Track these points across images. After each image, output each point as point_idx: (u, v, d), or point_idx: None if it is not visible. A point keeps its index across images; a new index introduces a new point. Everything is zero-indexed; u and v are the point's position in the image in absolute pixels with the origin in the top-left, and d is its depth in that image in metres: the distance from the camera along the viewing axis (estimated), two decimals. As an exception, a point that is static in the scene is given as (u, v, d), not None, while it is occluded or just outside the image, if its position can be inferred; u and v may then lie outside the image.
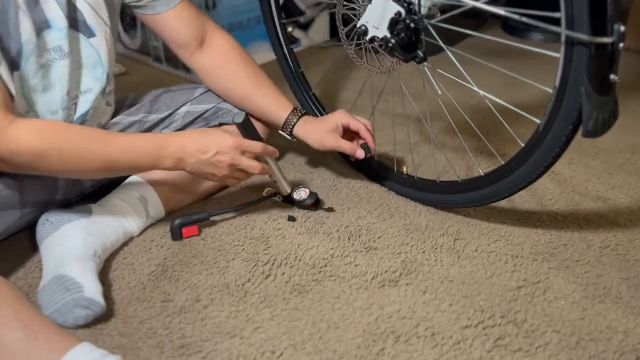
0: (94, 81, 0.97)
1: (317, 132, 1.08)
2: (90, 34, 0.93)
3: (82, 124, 0.98)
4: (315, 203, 1.09)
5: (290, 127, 1.10)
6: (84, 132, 0.85)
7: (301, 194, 1.09)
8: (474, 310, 0.86)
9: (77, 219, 0.93)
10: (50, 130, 0.81)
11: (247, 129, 0.97)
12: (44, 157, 0.79)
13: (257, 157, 0.97)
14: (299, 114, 1.10)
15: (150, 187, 1.03)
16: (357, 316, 0.85)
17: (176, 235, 1.00)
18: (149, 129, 1.09)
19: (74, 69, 0.92)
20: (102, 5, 0.95)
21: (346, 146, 1.06)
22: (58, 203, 0.99)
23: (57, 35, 0.88)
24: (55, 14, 0.87)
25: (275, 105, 1.10)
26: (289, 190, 1.09)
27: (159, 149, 0.87)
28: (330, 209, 1.09)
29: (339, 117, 1.07)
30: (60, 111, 0.93)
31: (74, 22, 0.91)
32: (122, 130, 1.06)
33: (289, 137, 1.11)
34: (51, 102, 0.91)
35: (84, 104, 0.97)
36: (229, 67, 1.09)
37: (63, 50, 0.90)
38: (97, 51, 0.95)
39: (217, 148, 0.90)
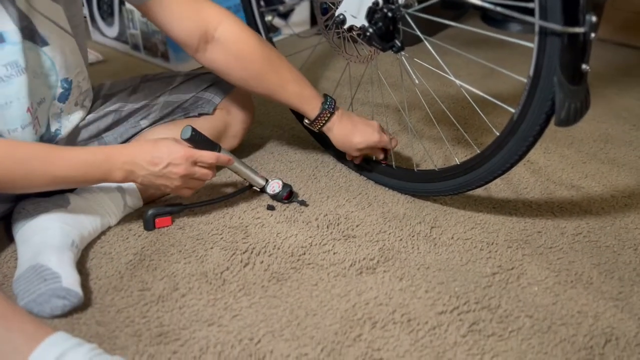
0: (47, 89, 0.92)
1: (359, 129, 1.06)
2: (43, 42, 0.87)
3: (56, 136, 0.96)
4: (289, 195, 1.09)
5: (319, 126, 1.06)
6: (29, 150, 0.82)
7: (274, 187, 1.09)
8: (450, 296, 0.87)
9: (55, 208, 0.92)
10: (13, 157, 0.79)
11: (197, 142, 0.96)
12: (12, 183, 0.79)
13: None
14: (329, 112, 1.04)
15: (128, 176, 1.02)
16: (335, 303, 0.86)
17: (149, 225, 1.00)
18: (125, 118, 1.08)
19: (32, 82, 0.88)
20: (59, 9, 0.89)
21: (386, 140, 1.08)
22: (34, 193, 0.98)
23: (12, 49, 0.83)
24: (8, 27, 0.82)
25: (298, 99, 1.04)
26: (262, 183, 1.09)
27: (108, 162, 0.86)
28: (303, 203, 1.09)
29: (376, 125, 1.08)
30: (20, 129, 0.89)
31: (28, 32, 0.85)
32: (99, 119, 1.05)
33: (314, 130, 1.08)
34: (9, 120, 0.87)
35: (43, 115, 0.93)
36: (239, 63, 0.99)
37: (19, 65, 0.85)
38: (50, 59, 0.90)
39: (168, 160, 0.89)
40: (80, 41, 0.96)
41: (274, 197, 1.09)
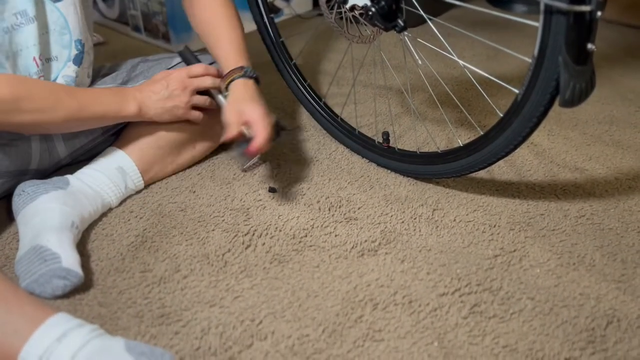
0: (61, 49, 0.96)
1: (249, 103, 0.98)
2: None
3: None
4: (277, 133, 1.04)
5: (228, 81, 1.02)
6: (51, 83, 0.91)
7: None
8: (451, 278, 0.87)
9: (54, 190, 0.92)
10: (19, 81, 0.85)
11: (187, 59, 1.07)
12: (14, 107, 0.82)
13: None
14: (242, 75, 1.01)
15: (129, 158, 1.02)
16: (336, 285, 0.86)
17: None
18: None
19: (41, 34, 0.92)
20: None
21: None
22: (33, 173, 0.98)
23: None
24: None
25: (226, 57, 1.04)
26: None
27: (122, 93, 0.96)
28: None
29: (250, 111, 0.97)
30: (31, 77, 0.93)
31: None
32: None
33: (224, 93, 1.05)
34: (22, 69, 0.91)
35: (53, 72, 0.96)
36: (210, 14, 1.08)
37: (28, 14, 0.90)
38: (63, 16, 0.94)
39: (166, 80, 0.99)
40: (89, 11, 1.01)
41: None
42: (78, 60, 0.99)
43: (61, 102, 0.88)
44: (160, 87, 0.99)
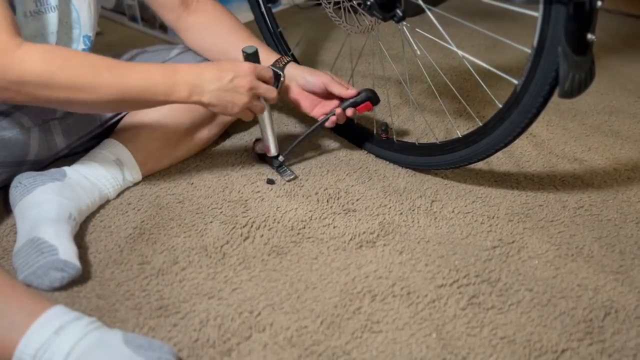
0: (69, 42, 0.96)
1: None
2: None
3: None
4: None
5: (282, 64, 1.05)
6: (93, 56, 0.82)
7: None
8: (449, 269, 0.87)
9: (51, 182, 0.91)
10: (55, 53, 0.79)
11: (255, 62, 0.97)
12: (47, 82, 0.77)
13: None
14: (290, 60, 1.07)
15: (127, 149, 1.01)
16: (335, 276, 0.86)
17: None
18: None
19: (60, 24, 0.92)
20: None
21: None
22: (30, 164, 0.98)
23: None
24: None
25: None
26: (274, 153, 1.08)
27: (174, 75, 0.85)
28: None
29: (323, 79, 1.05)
30: None
31: None
32: None
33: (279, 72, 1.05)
34: None
35: None
36: (213, 26, 1.07)
37: (50, 3, 0.90)
38: (77, 11, 0.94)
39: (234, 72, 0.89)
40: (98, 7, 1.01)
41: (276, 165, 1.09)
42: None
43: (101, 80, 0.79)
44: (225, 77, 0.88)
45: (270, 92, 0.95)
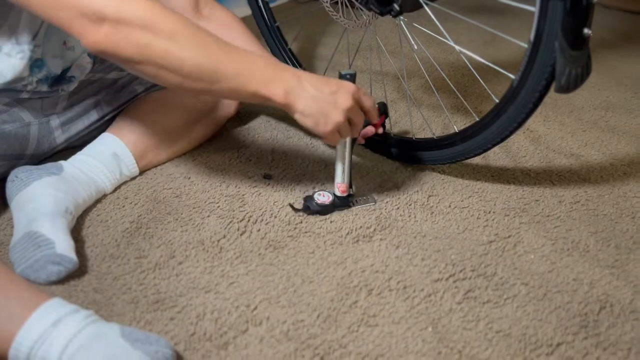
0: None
1: None
2: None
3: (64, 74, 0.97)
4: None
5: None
6: (200, 27, 0.76)
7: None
8: (446, 264, 0.87)
9: (48, 176, 0.91)
10: (166, 12, 0.72)
11: None
12: (157, 26, 0.71)
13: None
14: None
15: (124, 144, 1.01)
16: (331, 270, 0.86)
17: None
18: (122, 86, 1.07)
19: None
20: None
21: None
22: (28, 158, 0.98)
23: None
24: None
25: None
26: (351, 189, 0.99)
27: (276, 68, 0.79)
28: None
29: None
30: (59, 59, 0.94)
31: None
32: (90, 85, 1.05)
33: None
34: (48, 47, 0.91)
35: (68, 61, 0.96)
36: (225, 35, 0.97)
37: None
38: None
39: (337, 86, 0.82)
40: None
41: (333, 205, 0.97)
42: (93, 55, 0.99)
43: (202, 42, 0.74)
44: (327, 88, 0.81)
45: (372, 111, 0.87)
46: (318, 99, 0.80)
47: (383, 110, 1.01)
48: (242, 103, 1.19)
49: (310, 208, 0.96)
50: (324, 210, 0.97)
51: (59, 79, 0.96)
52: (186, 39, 0.73)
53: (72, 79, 0.99)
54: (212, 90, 0.77)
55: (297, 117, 0.82)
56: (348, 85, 0.84)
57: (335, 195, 0.98)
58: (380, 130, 1.01)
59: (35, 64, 0.90)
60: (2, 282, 0.68)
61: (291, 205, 0.97)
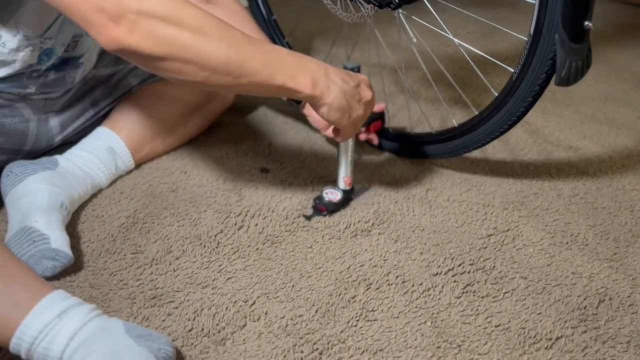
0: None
1: None
2: None
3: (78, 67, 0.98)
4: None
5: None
6: (223, 20, 0.72)
7: (336, 195, 0.97)
8: (444, 258, 0.87)
9: (43, 171, 0.90)
10: (188, 4, 0.69)
11: None
12: (180, 19, 0.67)
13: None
14: None
15: (119, 138, 1.00)
16: (330, 265, 0.86)
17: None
18: (123, 77, 1.06)
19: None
20: None
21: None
22: (25, 154, 0.97)
23: None
24: None
25: None
26: (345, 186, 0.97)
27: (301, 60, 0.76)
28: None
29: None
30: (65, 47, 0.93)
31: None
32: (91, 78, 1.04)
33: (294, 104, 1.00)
34: (59, 41, 0.91)
35: (80, 47, 0.96)
36: (234, 21, 1.00)
37: None
38: None
39: (358, 80, 0.82)
40: None
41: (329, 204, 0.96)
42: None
43: (227, 34, 0.70)
44: (351, 81, 0.80)
45: (367, 116, 0.85)
46: (346, 92, 0.79)
47: (378, 115, 1.04)
48: (239, 95, 1.18)
49: (327, 208, 0.95)
50: (337, 206, 0.96)
51: (67, 61, 0.96)
52: (213, 32, 0.69)
53: (79, 64, 0.98)
54: (238, 84, 0.73)
55: (324, 110, 0.79)
56: (364, 79, 0.83)
57: (342, 190, 0.97)
58: (375, 140, 1.07)
59: (44, 52, 0.90)
60: (8, 269, 0.66)
61: (305, 216, 0.95)
